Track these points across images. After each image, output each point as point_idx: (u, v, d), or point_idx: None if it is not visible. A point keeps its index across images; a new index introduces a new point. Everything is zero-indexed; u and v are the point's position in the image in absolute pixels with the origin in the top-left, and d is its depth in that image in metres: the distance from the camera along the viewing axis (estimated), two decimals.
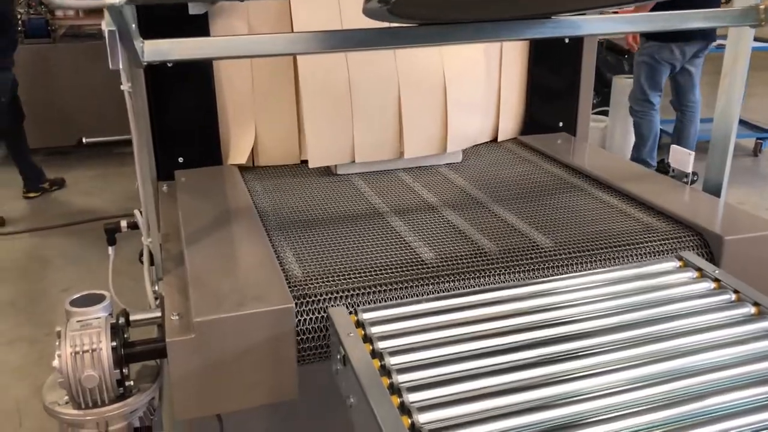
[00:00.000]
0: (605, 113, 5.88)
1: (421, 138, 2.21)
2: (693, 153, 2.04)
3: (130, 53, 1.21)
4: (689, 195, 1.95)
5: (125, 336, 1.44)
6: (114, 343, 1.36)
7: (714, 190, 1.96)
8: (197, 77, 2.14)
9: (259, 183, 2.16)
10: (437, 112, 2.20)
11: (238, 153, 2.26)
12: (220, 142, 2.25)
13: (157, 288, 1.60)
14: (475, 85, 2.31)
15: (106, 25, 0.93)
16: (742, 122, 5.88)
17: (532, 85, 2.51)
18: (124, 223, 1.77)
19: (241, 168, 2.26)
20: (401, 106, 2.16)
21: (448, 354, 1.27)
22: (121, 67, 1.51)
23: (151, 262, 1.63)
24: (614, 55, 6.42)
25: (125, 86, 1.46)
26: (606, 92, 5.99)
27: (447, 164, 2.30)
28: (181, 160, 2.20)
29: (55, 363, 1.33)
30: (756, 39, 1.93)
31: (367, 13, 1.28)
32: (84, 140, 2.32)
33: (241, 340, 1.37)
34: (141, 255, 1.69)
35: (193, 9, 1.93)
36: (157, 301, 1.62)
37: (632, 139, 5.66)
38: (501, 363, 1.25)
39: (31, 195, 5.17)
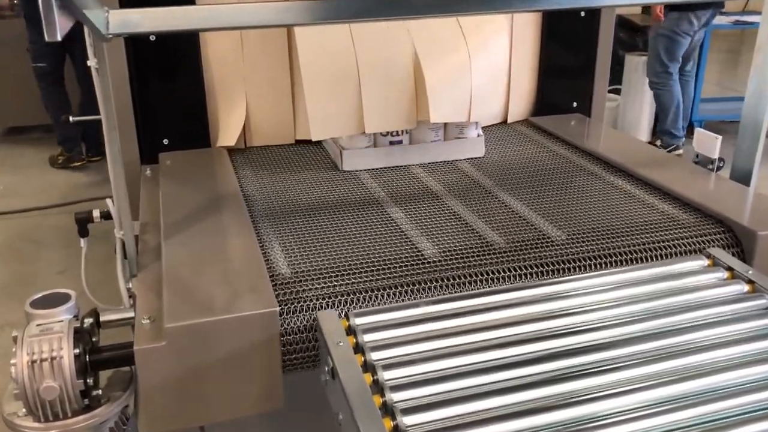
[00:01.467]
0: (617, 92, 5.69)
1: (447, 105, 1.97)
2: (720, 138, 1.87)
3: (87, 24, 1.05)
4: (716, 183, 1.79)
5: (93, 340, 1.30)
6: (77, 350, 1.22)
7: (743, 178, 1.80)
8: (182, 51, 1.99)
9: (250, 167, 2.01)
10: (462, 80, 1.97)
11: (227, 134, 2.11)
12: (208, 122, 2.10)
13: (130, 285, 1.46)
14: (500, 60, 2.13)
15: None
16: None
17: (545, 63, 2.34)
18: (96, 213, 1.63)
19: (231, 150, 2.11)
20: (422, 74, 1.93)
21: (448, 368, 1.13)
22: (87, 41, 1.36)
23: (125, 255, 1.49)
24: (627, 31, 6.20)
25: (92, 62, 1.31)
26: (618, 70, 5.79)
27: (471, 161, 2.05)
28: (166, 141, 2.05)
29: (12, 372, 1.19)
30: None
31: None
32: (71, 118, 2.18)
33: (219, 348, 1.22)
34: (116, 247, 1.54)
35: None
36: (131, 300, 1.48)
37: (645, 119, 5.48)
38: (509, 379, 1.10)
39: None
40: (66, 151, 5.04)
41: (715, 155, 1.88)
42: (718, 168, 1.90)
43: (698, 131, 1.94)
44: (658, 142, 5.03)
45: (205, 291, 1.29)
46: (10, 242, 4.19)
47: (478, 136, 2.06)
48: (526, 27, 2.28)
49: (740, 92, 6.23)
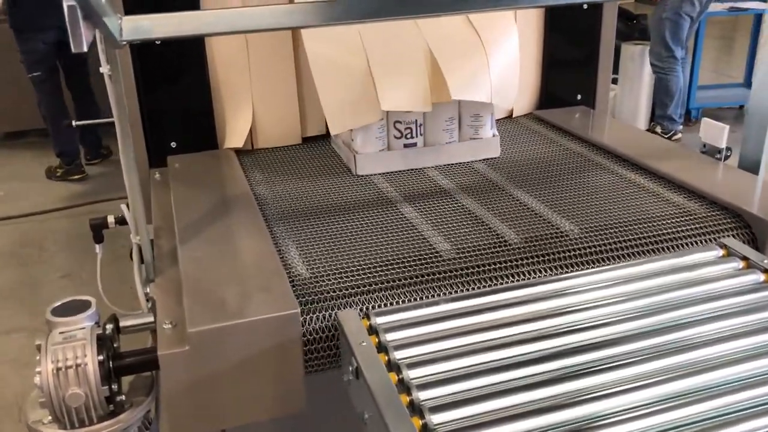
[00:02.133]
0: (614, 81, 5.70)
1: (466, 83, 1.90)
2: (727, 127, 1.88)
3: (104, 32, 1.05)
4: (726, 173, 1.80)
5: (115, 346, 1.30)
6: (101, 357, 1.22)
7: (752, 167, 1.81)
8: (188, 54, 1.99)
9: (258, 169, 2.01)
10: (479, 66, 1.93)
11: (234, 136, 2.11)
12: (215, 125, 2.10)
13: (148, 290, 1.46)
14: (513, 52, 2.13)
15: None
16: None
17: (548, 56, 2.35)
18: (111, 219, 1.63)
19: (238, 152, 2.11)
20: (436, 60, 1.89)
21: (471, 365, 1.13)
22: (100, 48, 1.36)
23: (142, 260, 1.49)
24: (622, 20, 6.21)
25: (104, 69, 1.31)
26: (614, 59, 5.80)
27: (484, 159, 2.01)
28: (173, 144, 2.04)
29: (36, 380, 1.20)
30: None
31: None
32: (74, 123, 2.18)
33: (241, 351, 1.23)
34: (132, 251, 1.55)
35: None
36: (149, 304, 1.48)
37: (643, 107, 5.49)
38: (534, 375, 1.11)
39: None
40: (65, 164, 5.00)
41: (723, 144, 1.89)
42: (726, 157, 1.90)
43: (705, 121, 1.95)
44: (658, 129, 5.05)
45: (225, 294, 1.30)
46: (12, 248, 4.19)
47: (494, 135, 2.02)
48: (530, 21, 2.28)
49: (735, 78, 6.26)
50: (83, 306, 1.32)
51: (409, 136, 1.94)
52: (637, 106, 5.47)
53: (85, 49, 0.84)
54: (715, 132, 1.91)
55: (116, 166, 4.99)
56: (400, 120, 1.92)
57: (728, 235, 1.54)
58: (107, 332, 1.29)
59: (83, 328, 1.26)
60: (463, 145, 2.00)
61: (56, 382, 1.19)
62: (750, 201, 1.60)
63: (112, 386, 1.25)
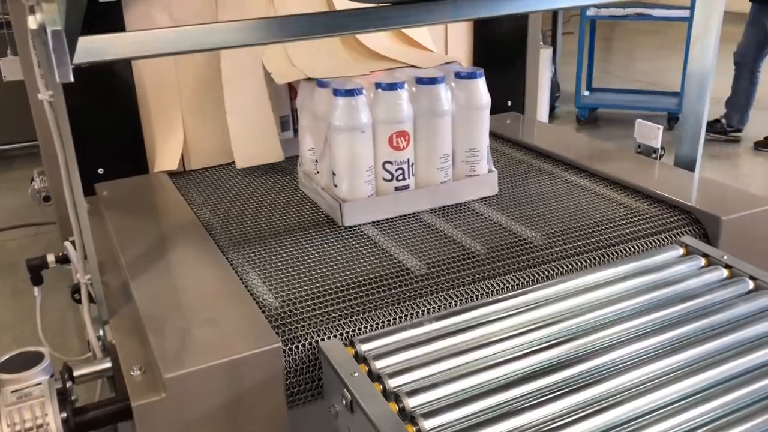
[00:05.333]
0: None
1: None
2: (661, 127, 1.95)
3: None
4: (667, 172, 1.86)
5: (73, 399, 1.18)
6: (64, 414, 1.10)
7: (687, 165, 1.88)
8: (113, 73, 1.86)
9: (196, 191, 1.90)
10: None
11: (166, 158, 1.99)
12: (145, 147, 1.97)
13: (102, 333, 1.34)
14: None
15: (48, 23, 0.68)
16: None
17: (477, 64, 2.36)
18: (51, 258, 1.48)
19: (171, 174, 1.99)
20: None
21: (471, 387, 1.10)
22: (37, 73, 1.23)
23: (91, 300, 1.37)
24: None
25: (44, 95, 1.19)
26: None
27: (480, 199, 1.78)
28: (101, 171, 1.90)
29: None
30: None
31: None
32: None
33: (222, 393, 1.14)
34: (74, 291, 1.41)
35: None
36: (94, 345, 1.36)
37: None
38: (538, 390, 1.09)
39: None
40: None
41: (658, 144, 1.95)
42: (660, 156, 1.97)
43: (639, 122, 2.01)
44: (723, 120, 5.14)
45: (196, 332, 1.21)
46: None
47: (490, 171, 1.80)
48: (462, 31, 2.28)
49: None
50: (35, 358, 1.18)
51: (400, 177, 1.69)
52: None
53: (72, 80, 0.74)
54: (649, 132, 1.97)
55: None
56: (391, 160, 1.66)
57: (683, 233, 1.58)
58: (66, 386, 1.17)
59: (39, 384, 1.14)
60: (457, 183, 1.77)
61: None
62: (700, 199, 1.65)
63: None
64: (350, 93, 1.58)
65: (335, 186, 1.67)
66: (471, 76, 1.72)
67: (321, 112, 1.65)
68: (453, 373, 1.13)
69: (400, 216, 1.69)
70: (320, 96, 1.66)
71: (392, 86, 1.62)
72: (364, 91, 1.60)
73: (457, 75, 1.72)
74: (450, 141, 1.73)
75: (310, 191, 1.82)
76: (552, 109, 5.60)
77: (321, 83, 1.67)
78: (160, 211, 1.74)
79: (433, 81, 1.66)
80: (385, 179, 1.68)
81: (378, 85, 1.63)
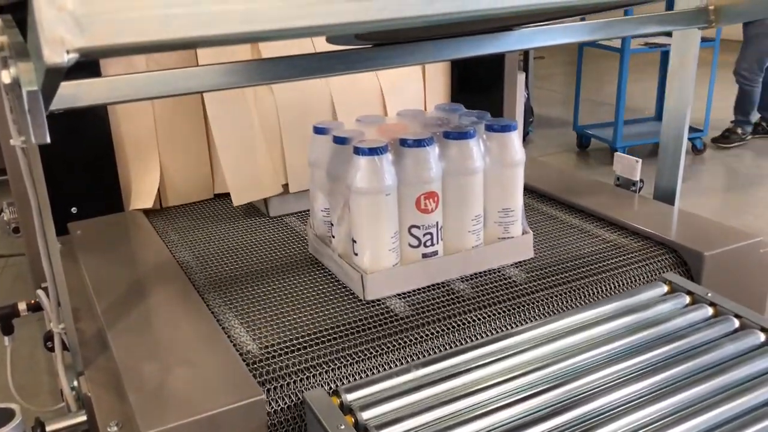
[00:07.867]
0: None
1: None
2: (640, 161, 1.96)
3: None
4: (649, 207, 1.86)
5: None
6: None
7: (667, 198, 1.88)
8: (88, 111, 1.81)
9: (172, 229, 1.86)
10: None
11: (142, 195, 1.95)
12: (120, 184, 1.93)
13: (76, 384, 1.29)
14: (414, 96, 2.13)
15: (24, 84, 0.64)
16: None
17: (457, 91, 2.35)
18: (22, 306, 1.43)
19: (146, 212, 1.95)
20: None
21: None
22: (9, 118, 1.20)
23: (65, 349, 1.32)
24: None
25: (16, 141, 1.15)
26: None
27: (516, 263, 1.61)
28: (74, 210, 1.86)
29: None
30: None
31: (332, 39, 1.05)
32: None
33: None
34: (46, 340, 1.36)
35: None
36: (68, 397, 1.31)
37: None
38: None
39: None
40: None
41: (637, 177, 1.96)
42: (639, 189, 1.98)
43: (618, 155, 2.02)
44: (738, 130, 5.41)
45: (175, 385, 1.16)
46: None
47: (524, 233, 1.63)
48: (437, 71, 2.28)
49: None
50: (5, 416, 1.14)
51: (428, 243, 1.51)
52: None
53: (49, 141, 0.71)
54: (628, 165, 1.97)
55: None
56: (418, 225, 1.49)
57: (665, 268, 1.58)
58: None
59: None
60: (489, 248, 1.59)
61: None
62: (681, 234, 1.65)
63: None
64: (374, 152, 1.40)
65: (355, 255, 1.48)
66: (505, 129, 1.55)
67: (339, 172, 1.48)
68: (441, 424, 1.10)
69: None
70: (338, 154, 1.49)
71: (419, 143, 1.44)
72: (389, 149, 1.44)
73: (489, 128, 1.56)
74: (482, 201, 1.56)
75: (324, 257, 1.62)
76: (525, 134, 5.63)
77: (339, 139, 1.49)
78: (136, 252, 1.70)
79: (464, 135, 1.48)
80: (411, 245, 1.50)
81: (403, 142, 1.45)
